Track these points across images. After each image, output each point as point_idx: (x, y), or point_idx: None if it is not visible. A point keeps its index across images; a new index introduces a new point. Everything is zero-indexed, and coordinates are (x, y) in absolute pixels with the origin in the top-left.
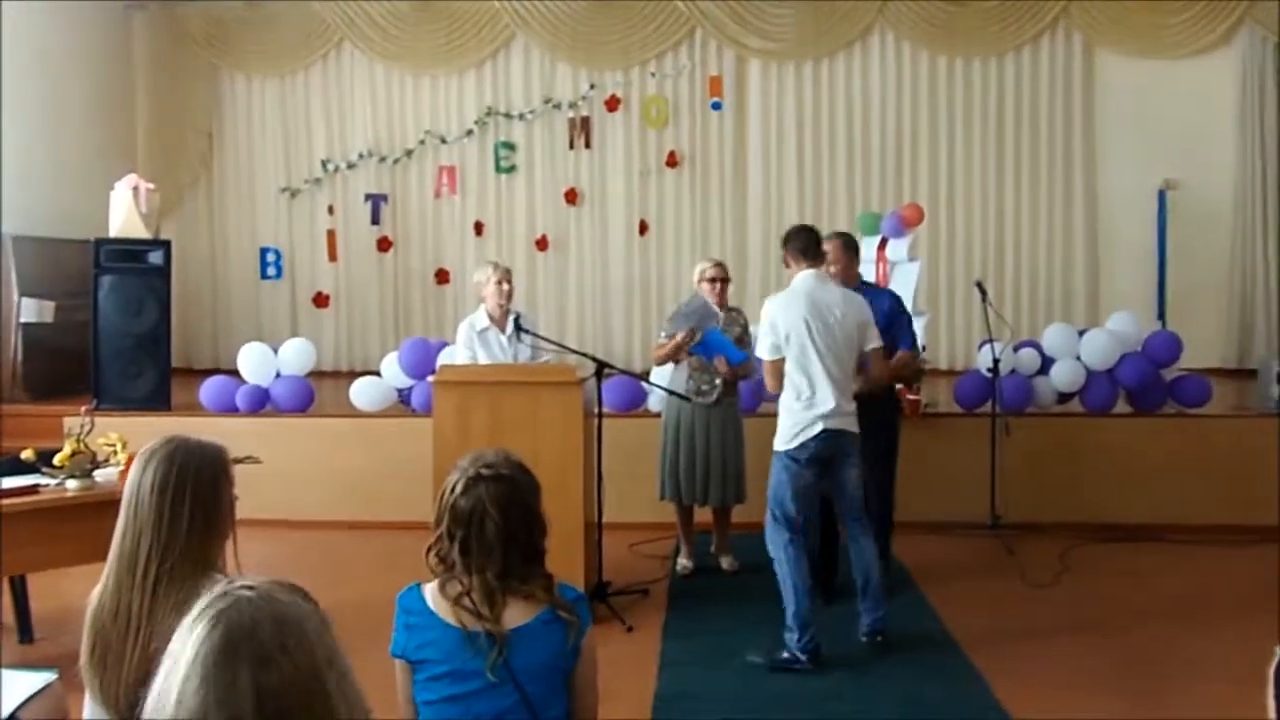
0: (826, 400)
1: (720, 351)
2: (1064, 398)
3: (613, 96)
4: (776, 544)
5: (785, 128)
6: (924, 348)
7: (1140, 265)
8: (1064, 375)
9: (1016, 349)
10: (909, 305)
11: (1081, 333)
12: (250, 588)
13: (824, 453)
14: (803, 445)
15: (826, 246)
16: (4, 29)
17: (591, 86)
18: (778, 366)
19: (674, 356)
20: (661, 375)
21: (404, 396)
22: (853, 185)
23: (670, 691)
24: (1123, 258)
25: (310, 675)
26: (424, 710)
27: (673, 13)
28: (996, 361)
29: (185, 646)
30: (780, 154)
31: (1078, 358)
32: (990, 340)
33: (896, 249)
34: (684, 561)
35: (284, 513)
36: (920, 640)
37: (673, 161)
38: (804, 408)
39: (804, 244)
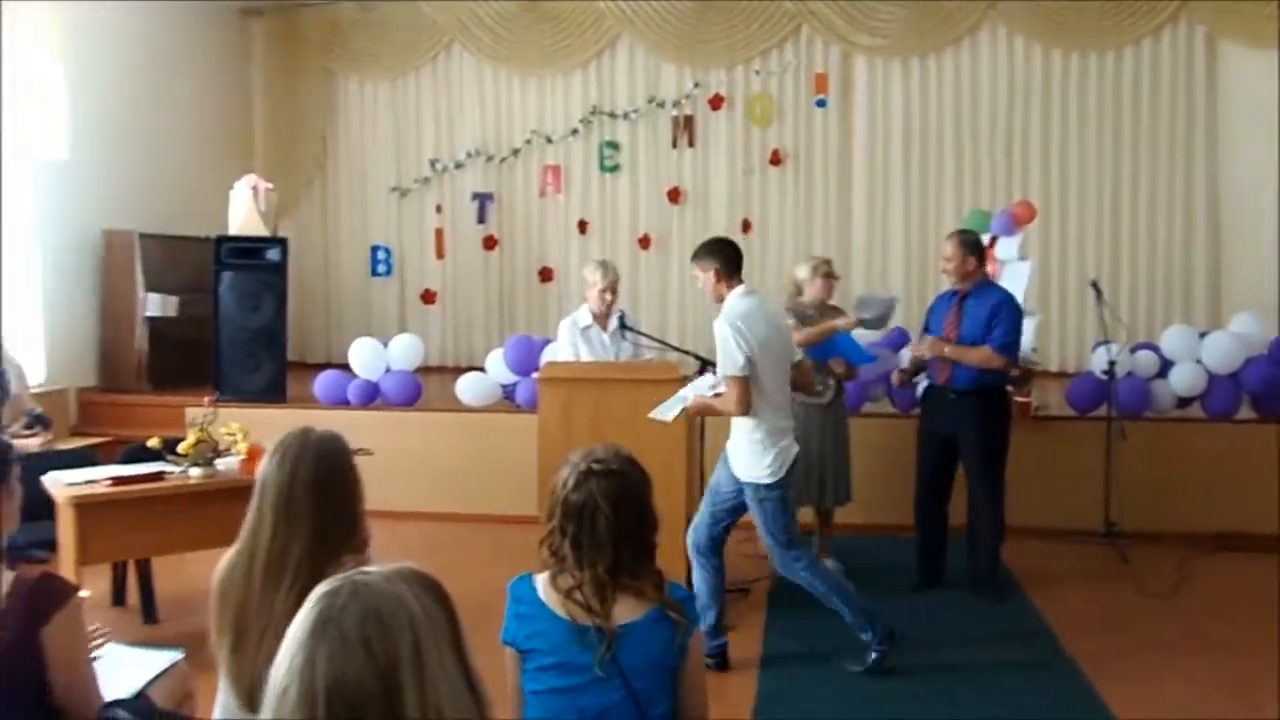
0: (790, 421)
1: (845, 353)
2: (1184, 402)
3: (717, 95)
4: (795, 569)
5: (892, 124)
6: (1035, 349)
7: (1266, 265)
8: (1184, 379)
9: (1133, 351)
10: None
11: (1203, 335)
12: (364, 575)
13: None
14: (790, 471)
15: (945, 244)
16: (130, 36)
17: (696, 85)
18: (748, 386)
19: (819, 339)
20: None
21: (508, 392)
22: (961, 182)
23: (771, 691)
24: (1247, 257)
25: (387, 672)
26: (532, 700)
27: (778, 10)
28: (1112, 364)
29: (294, 623)
30: (886, 151)
31: (1198, 361)
32: (1105, 342)
33: (1007, 247)
34: None
35: (391, 504)
36: (1028, 646)
37: (776, 159)
38: (780, 433)
39: (733, 258)
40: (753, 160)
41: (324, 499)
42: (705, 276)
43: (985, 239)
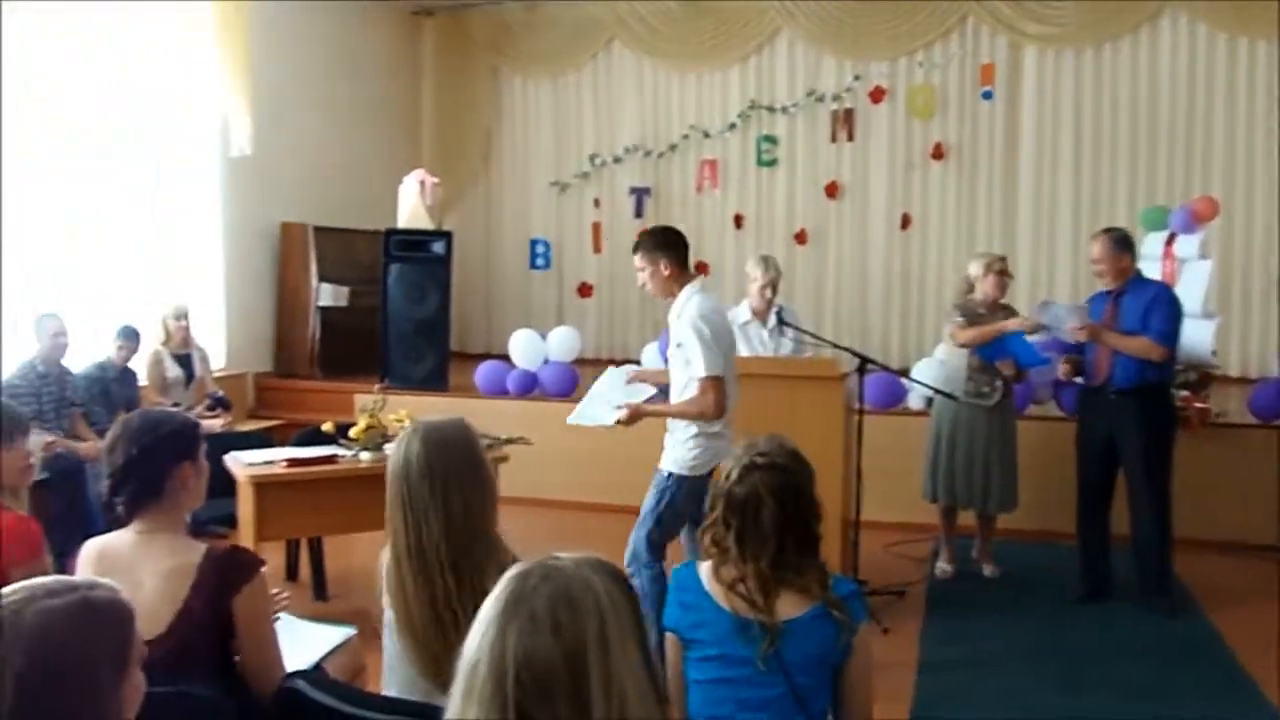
0: (730, 427)
1: (1016, 354)
2: None
3: (878, 87)
4: (639, 564)
5: (1061, 117)
6: (1214, 352)
7: None
8: None
9: None
10: (1198, 306)
11: None
12: (555, 559)
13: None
14: (710, 472)
15: (1092, 245)
16: (309, 37)
17: (856, 78)
18: (724, 387)
19: (988, 339)
20: (924, 372)
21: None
22: (1135, 177)
23: (929, 697)
24: None
25: (573, 654)
26: (693, 689)
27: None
28: None
29: (488, 600)
30: (1055, 145)
31: None
32: None
33: (1186, 245)
34: (943, 565)
35: (546, 493)
36: (1203, 663)
37: (939, 153)
38: (720, 435)
39: (684, 250)
40: (914, 154)
41: (444, 485)
42: (652, 270)
43: (1163, 236)
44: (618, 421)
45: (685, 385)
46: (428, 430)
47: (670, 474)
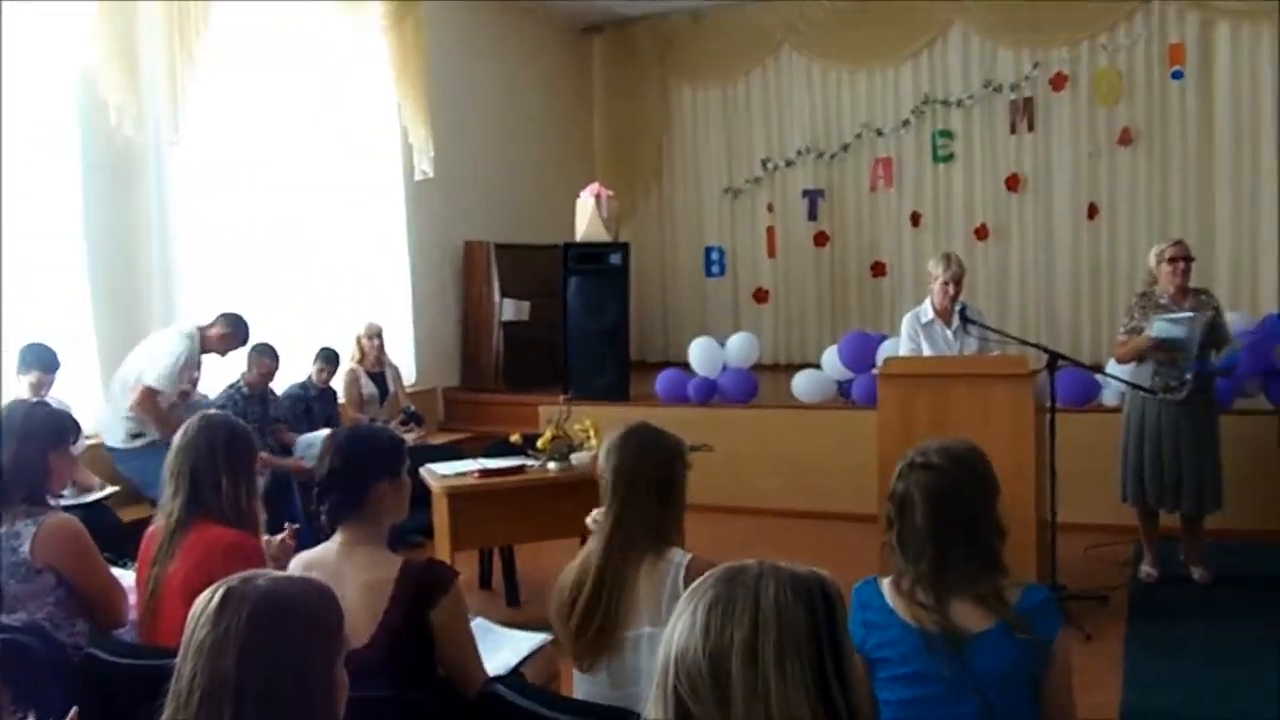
0: None
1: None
2: None
3: (1059, 74)
4: None
5: (1261, 96)
6: None
7: None
8: None
9: None
10: None
11: None
12: (746, 564)
13: None
14: None
15: None
16: (485, 60)
17: (1035, 65)
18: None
19: (1137, 357)
20: (1117, 366)
21: (844, 389)
22: None
23: (1138, 708)
24: None
25: (715, 655)
26: (885, 709)
27: None
28: None
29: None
30: (1254, 126)
31: None
32: None
33: None
34: (1147, 569)
35: (729, 499)
36: None
37: (1126, 139)
38: None
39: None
40: (1099, 141)
41: (634, 485)
42: None
43: None
44: None
45: None
46: (639, 431)
47: None
